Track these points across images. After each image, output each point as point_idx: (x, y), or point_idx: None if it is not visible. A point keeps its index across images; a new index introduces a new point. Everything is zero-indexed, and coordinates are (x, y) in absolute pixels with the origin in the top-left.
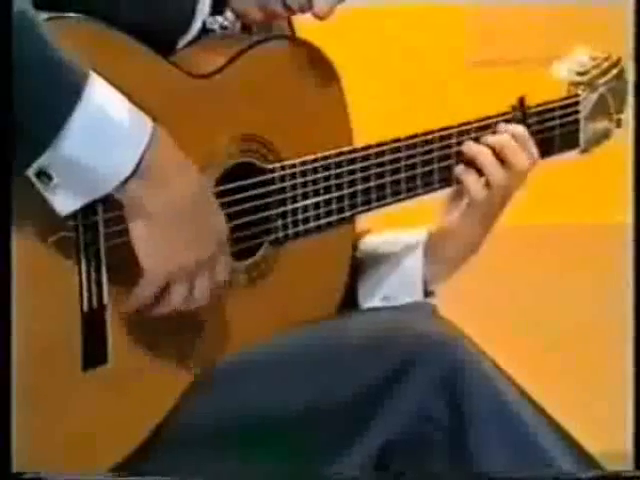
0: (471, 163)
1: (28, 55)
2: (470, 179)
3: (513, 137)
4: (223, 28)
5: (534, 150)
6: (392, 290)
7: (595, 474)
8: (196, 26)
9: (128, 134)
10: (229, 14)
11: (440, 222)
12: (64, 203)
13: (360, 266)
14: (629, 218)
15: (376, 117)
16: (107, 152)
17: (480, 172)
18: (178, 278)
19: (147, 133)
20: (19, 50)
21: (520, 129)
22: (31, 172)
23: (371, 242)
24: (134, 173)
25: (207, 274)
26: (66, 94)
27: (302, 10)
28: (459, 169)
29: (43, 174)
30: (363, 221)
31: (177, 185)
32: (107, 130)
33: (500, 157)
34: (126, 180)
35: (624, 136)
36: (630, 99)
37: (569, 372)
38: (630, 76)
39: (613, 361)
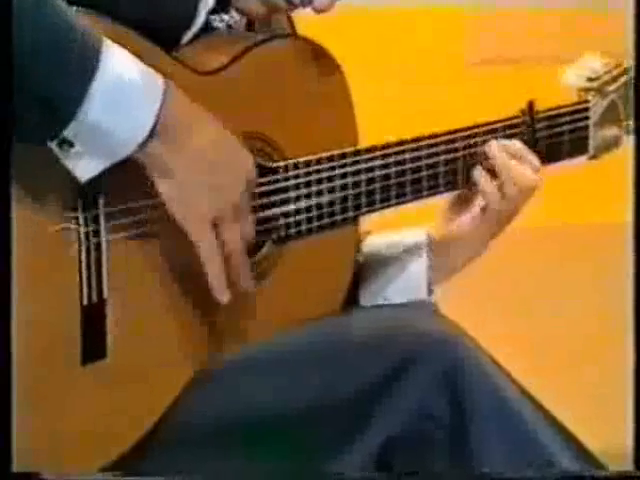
0: (489, 168)
1: (46, 30)
2: (487, 185)
3: (513, 156)
4: (229, 27)
5: (535, 161)
6: (396, 294)
7: (598, 474)
8: (199, 21)
9: (143, 94)
10: (234, 13)
11: (446, 227)
12: (85, 169)
13: (361, 268)
14: (629, 217)
15: (375, 117)
16: (125, 115)
17: (495, 178)
18: (219, 223)
19: (160, 91)
20: (36, 27)
21: (518, 145)
22: (54, 142)
23: (373, 244)
24: (152, 133)
25: (244, 214)
26: (85, 63)
27: (303, 4)
28: (477, 174)
29: (65, 142)
30: (364, 222)
31: (195, 137)
32: (124, 93)
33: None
34: (144, 142)
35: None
36: (631, 99)
37: (569, 370)
38: (631, 74)
39: (613, 358)
